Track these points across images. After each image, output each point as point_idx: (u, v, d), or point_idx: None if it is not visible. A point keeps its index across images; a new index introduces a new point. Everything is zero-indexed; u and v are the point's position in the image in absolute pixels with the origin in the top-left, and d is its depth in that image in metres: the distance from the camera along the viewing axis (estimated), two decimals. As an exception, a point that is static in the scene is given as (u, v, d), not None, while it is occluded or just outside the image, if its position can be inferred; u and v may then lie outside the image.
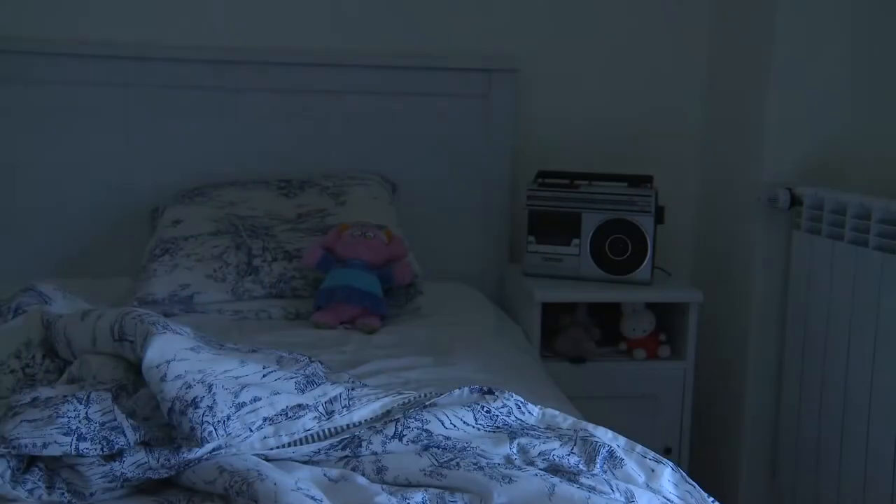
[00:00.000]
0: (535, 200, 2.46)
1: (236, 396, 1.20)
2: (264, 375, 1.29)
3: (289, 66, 2.57)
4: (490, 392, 1.36)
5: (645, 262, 2.40)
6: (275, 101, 2.57)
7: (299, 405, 1.26)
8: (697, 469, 2.52)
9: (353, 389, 1.36)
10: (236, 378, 1.24)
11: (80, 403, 1.17)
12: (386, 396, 1.35)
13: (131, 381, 1.27)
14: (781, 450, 2.38)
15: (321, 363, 1.51)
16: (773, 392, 2.43)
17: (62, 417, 1.14)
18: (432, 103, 2.63)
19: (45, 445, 1.12)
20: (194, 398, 1.16)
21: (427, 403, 1.32)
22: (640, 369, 2.43)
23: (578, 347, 2.42)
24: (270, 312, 2.14)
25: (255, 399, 1.22)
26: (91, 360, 1.32)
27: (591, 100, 2.75)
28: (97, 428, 1.14)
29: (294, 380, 1.30)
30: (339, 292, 2.06)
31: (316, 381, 1.32)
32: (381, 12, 2.64)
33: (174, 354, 1.22)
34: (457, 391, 1.37)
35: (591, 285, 2.41)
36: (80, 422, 1.14)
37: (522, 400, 1.36)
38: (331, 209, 2.38)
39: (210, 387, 1.18)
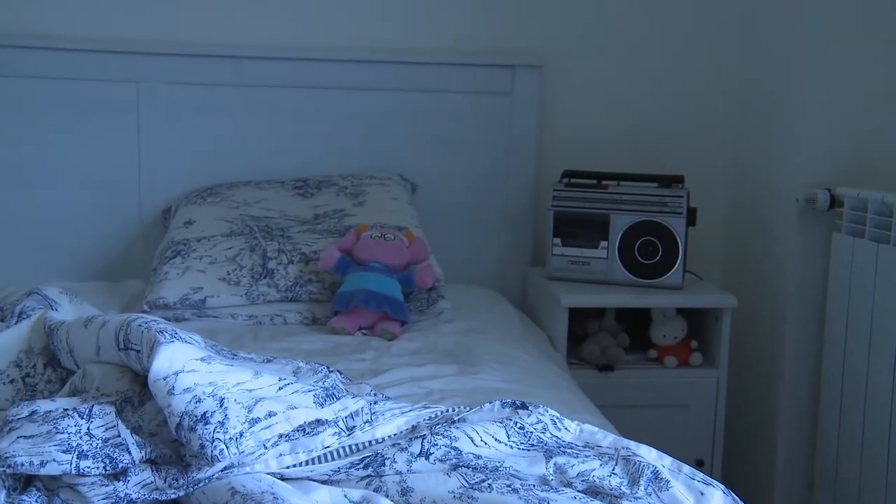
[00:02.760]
0: (561, 201, 2.38)
1: (250, 411, 1.12)
2: (280, 388, 1.21)
3: (307, 62, 2.51)
4: (523, 406, 1.28)
5: (676, 265, 2.31)
6: (292, 98, 2.51)
7: (318, 420, 1.18)
8: (730, 483, 2.40)
9: (375, 403, 1.28)
10: (250, 391, 1.16)
11: (82, 418, 1.11)
12: (411, 410, 1.27)
13: (137, 393, 1.21)
14: (819, 464, 2.28)
15: (341, 373, 1.42)
16: (810, 403, 2.35)
17: (62, 433, 1.08)
18: (454, 100, 2.56)
19: (42, 464, 1.05)
20: (204, 413, 1.09)
21: (455, 418, 1.24)
22: (670, 378, 2.35)
23: (606, 354, 2.34)
24: (286, 317, 2.08)
25: (270, 414, 1.14)
26: (94, 371, 1.25)
27: (618, 96, 2.67)
28: (99, 444, 1.08)
29: (312, 392, 1.22)
30: (358, 296, 1.99)
31: (336, 394, 1.24)
32: (401, 7, 2.57)
33: (183, 365, 1.15)
34: (487, 405, 1.28)
35: (619, 290, 2.33)
36: (80, 438, 1.08)
37: (558, 415, 1.28)
38: (349, 210, 2.31)
39: (221, 401, 1.11)
